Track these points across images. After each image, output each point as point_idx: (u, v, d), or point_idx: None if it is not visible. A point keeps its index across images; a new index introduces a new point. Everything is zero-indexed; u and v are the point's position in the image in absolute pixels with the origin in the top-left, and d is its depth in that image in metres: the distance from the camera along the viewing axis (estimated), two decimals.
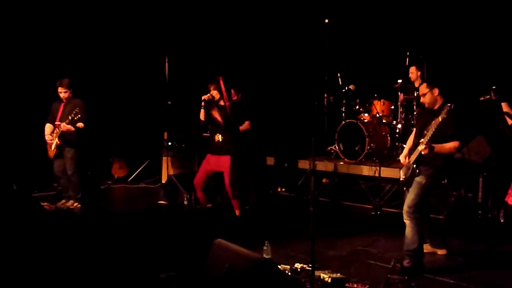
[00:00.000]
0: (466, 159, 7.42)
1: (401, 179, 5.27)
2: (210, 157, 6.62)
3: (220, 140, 6.45)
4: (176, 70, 9.28)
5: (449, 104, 4.76)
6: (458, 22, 8.38)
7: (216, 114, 6.49)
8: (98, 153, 9.38)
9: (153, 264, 5.14)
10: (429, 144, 4.76)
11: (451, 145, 4.87)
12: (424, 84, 5.10)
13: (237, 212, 6.70)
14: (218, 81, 6.45)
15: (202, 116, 6.50)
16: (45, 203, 7.36)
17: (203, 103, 6.42)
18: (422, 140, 4.85)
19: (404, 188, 5.37)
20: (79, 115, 7.05)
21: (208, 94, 6.42)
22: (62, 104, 7.37)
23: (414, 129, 5.45)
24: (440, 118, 4.69)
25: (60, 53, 8.97)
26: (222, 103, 6.49)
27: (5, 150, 8.27)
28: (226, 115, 6.45)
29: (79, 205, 7.55)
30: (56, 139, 7.26)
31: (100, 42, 9.53)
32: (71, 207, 7.53)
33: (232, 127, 6.53)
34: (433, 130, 4.75)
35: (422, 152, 4.81)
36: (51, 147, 7.36)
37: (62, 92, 7.30)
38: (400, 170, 5.30)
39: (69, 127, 7.09)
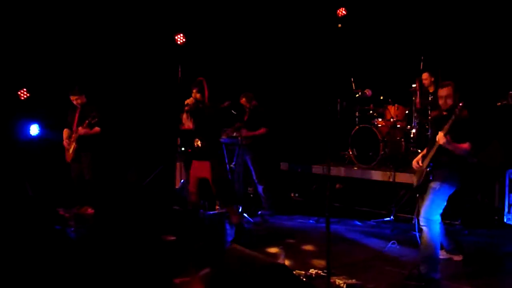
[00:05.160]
0: (482, 164, 7.35)
1: (414, 185, 5.24)
2: (194, 162, 6.31)
3: (200, 146, 6.13)
4: (189, 77, 9.30)
5: (460, 104, 4.72)
6: (474, 26, 8.29)
7: (187, 120, 6.18)
8: (113, 159, 9.42)
9: (168, 268, 5.16)
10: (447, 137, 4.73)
11: (463, 146, 4.83)
12: (450, 88, 5.02)
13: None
14: (202, 83, 6.12)
15: (184, 120, 6.24)
16: (61, 208, 7.43)
17: (186, 107, 6.12)
18: (440, 132, 4.80)
19: (417, 195, 5.29)
20: (96, 119, 7.21)
21: (191, 98, 6.10)
22: (78, 110, 7.52)
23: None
24: (457, 112, 4.67)
25: (76, 62, 9.06)
26: (200, 105, 6.11)
27: (21, 156, 8.34)
28: (204, 119, 6.08)
29: (93, 210, 7.58)
30: (74, 143, 7.39)
31: (116, 50, 9.59)
32: (86, 212, 7.57)
33: (210, 132, 6.14)
34: (450, 123, 4.72)
35: (441, 142, 4.76)
36: (68, 151, 7.49)
37: (74, 100, 7.48)
38: (414, 175, 5.27)
39: (86, 130, 7.24)
